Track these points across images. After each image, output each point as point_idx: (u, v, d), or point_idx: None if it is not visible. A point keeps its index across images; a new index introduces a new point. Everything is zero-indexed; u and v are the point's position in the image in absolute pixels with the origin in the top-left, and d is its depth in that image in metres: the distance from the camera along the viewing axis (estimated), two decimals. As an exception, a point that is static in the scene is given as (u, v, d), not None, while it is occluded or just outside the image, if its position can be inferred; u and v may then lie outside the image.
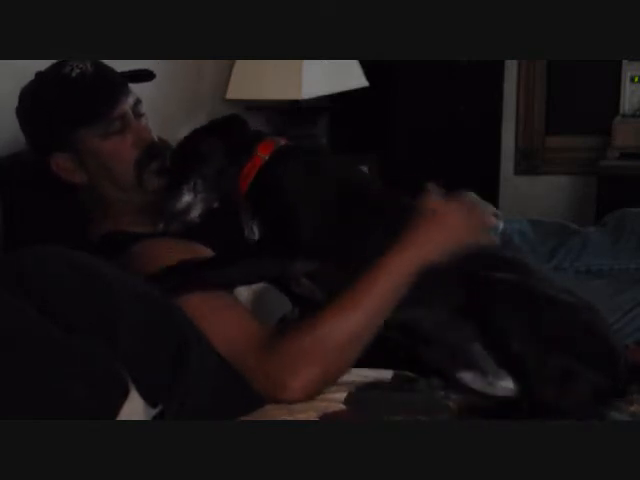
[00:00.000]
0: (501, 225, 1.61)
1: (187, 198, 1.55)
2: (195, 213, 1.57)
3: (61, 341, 1.23)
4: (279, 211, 1.53)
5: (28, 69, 1.72)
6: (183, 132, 1.68)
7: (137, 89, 2.28)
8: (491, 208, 1.62)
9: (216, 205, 1.59)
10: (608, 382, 1.42)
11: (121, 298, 1.33)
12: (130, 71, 1.74)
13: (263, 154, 1.56)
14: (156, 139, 1.74)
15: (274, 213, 1.53)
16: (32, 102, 1.69)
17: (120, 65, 1.76)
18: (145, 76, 1.76)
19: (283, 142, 1.60)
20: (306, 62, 2.74)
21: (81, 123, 1.65)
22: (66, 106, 1.65)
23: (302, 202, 1.52)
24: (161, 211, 1.57)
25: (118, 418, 1.25)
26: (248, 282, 1.57)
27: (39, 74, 1.70)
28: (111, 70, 1.72)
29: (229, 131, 1.59)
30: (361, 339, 1.47)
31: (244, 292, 1.60)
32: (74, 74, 1.65)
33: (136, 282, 1.42)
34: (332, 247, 1.51)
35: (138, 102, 1.72)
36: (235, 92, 2.85)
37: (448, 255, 1.50)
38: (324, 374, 1.44)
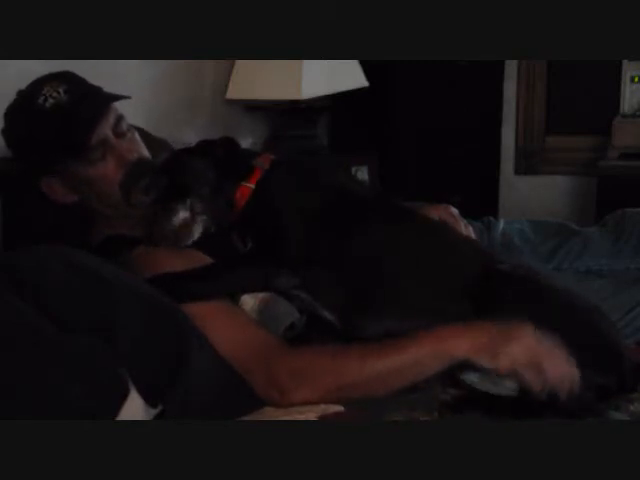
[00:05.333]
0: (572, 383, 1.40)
1: (182, 215, 1.53)
2: (194, 236, 1.54)
3: (61, 341, 1.23)
4: (265, 231, 1.54)
5: (28, 69, 1.73)
6: (183, 132, 1.68)
7: (136, 88, 2.28)
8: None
9: (213, 229, 1.57)
10: (612, 383, 1.42)
11: (121, 298, 1.33)
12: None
13: (251, 183, 1.56)
14: (143, 153, 1.72)
15: (261, 233, 1.54)
16: (12, 130, 1.68)
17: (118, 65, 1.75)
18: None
19: (268, 162, 1.58)
20: (306, 62, 2.74)
21: (61, 156, 1.64)
22: (43, 141, 1.62)
23: (289, 221, 1.52)
24: (152, 227, 1.54)
25: (118, 418, 1.25)
26: (233, 294, 1.56)
27: (19, 95, 1.67)
28: (88, 93, 1.67)
29: (222, 155, 1.58)
30: (374, 389, 1.44)
31: (250, 301, 1.60)
32: (48, 104, 1.61)
33: (136, 282, 1.42)
34: (323, 259, 1.52)
35: (120, 119, 1.68)
36: (235, 92, 2.85)
37: (490, 367, 1.41)
38: (323, 398, 1.44)
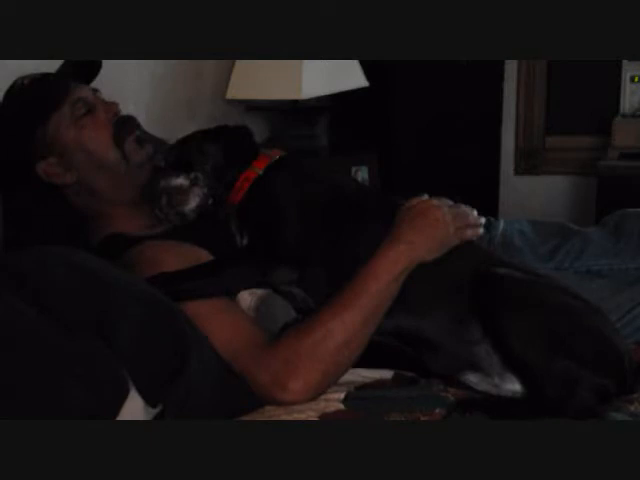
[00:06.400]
0: (483, 221, 1.61)
1: (181, 180, 1.58)
2: (191, 205, 1.58)
3: (61, 341, 1.23)
4: (264, 223, 1.55)
5: (27, 69, 1.73)
6: (183, 132, 1.68)
7: (136, 89, 2.27)
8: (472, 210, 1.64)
9: (210, 204, 1.60)
10: (612, 384, 1.42)
11: (120, 298, 1.33)
12: (76, 62, 1.78)
13: (258, 168, 1.60)
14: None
15: (260, 224, 1.55)
16: (1, 122, 1.72)
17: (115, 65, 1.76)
18: (93, 69, 1.80)
19: (277, 155, 1.63)
20: (306, 62, 2.74)
21: (46, 111, 1.67)
22: (27, 105, 1.69)
23: (287, 214, 1.53)
24: (151, 187, 1.59)
25: (118, 418, 1.25)
26: (231, 291, 1.56)
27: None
28: (60, 71, 1.79)
29: (233, 139, 1.62)
30: (359, 339, 1.48)
31: (248, 298, 1.60)
32: (26, 82, 1.71)
33: (136, 282, 1.42)
34: (321, 256, 1.52)
35: (95, 91, 1.75)
36: (235, 92, 2.85)
37: (437, 252, 1.52)
38: (324, 374, 1.45)
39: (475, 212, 1.62)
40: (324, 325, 1.46)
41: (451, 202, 1.62)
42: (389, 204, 1.62)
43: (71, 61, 1.78)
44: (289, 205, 1.54)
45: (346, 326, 1.46)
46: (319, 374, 1.44)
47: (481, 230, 1.59)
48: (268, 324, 1.56)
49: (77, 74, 1.76)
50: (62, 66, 1.80)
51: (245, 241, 1.57)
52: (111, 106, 1.73)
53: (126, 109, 1.77)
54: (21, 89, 1.71)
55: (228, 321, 1.50)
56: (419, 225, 1.53)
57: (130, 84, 2.35)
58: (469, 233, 1.57)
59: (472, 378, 1.48)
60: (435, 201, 1.59)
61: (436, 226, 1.53)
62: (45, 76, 1.74)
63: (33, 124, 1.67)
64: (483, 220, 1.61)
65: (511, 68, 3.62)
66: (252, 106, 3.03)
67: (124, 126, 1.71)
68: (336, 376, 1.48)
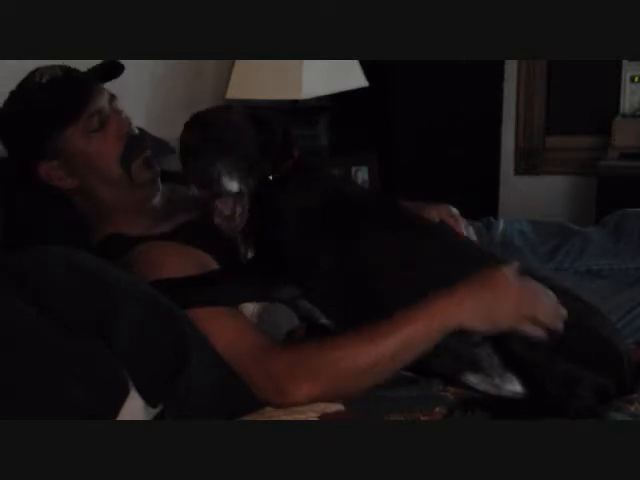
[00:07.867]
0: (561, 326, 1.43)
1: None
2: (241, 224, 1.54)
3: (61, 341, 1.23)
4: (266, 238, 1.53)
5: (27, 69, 1.73)
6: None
7: (136, 89, 2.27)
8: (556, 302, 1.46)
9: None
10: (612, 384, 1.42)
11: (120, 298, 1.33)
12: (98, 66, 1.73)
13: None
14: (137, 131, 1.73)
15: (262, 239, 1.54)
16: (12, 115, 1.69)
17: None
18: (114, 70, 1.74)
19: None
20: (306, 62, 2.74)
21: (61, 124, 1.64)
22: (43, 111, 1.64)
23: (289, 229, 1.51)
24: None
25: (118, 418, 1.25)
26: (233, 304, 1.55)
27: (15, 88, 1.71)
28: (80, 72, 1.72)
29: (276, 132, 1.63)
30: (373, 376, 1.44)
31: (251, 306, 1.59)
32: (44, 80, 1.65)
33: (136, 282, 1.41)
34: (324, 268, 1.51)
35: (113, 98, 1.71)
36: (235, 92, 2.85)
37: (482, 325, 1.41)
38: (325, 393, 1.42)
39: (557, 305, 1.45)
40: (343, 349, 1.42)
41: (552, 294, 1.46)
42: (391, 207, 1.61)
43: (98, 66, 1.73)
44: (289, 222, 1.52)
45: (364, 359, 1.40)
46: (320, 392, 1.41)
47: (561, 326, 1.42)
48: (271, 331, 1.56)
49: (99, 75, 1.72)
50: (89, 71, 1.73)
51: (250, 254, 1.56)
52: (124, 121, 1.70)
53: (126, 109, 1.77)
54: (38, 88, 1.65)
55: (230, 324, 1.50)
56: (485, 297, 1.41)
57: (130, 84, 2.35)
58: (531, 329, 1.40)
59: (472, 379, 1.48)
60: (521, 282, 1.44)
61: (501, 307, 1.41)
62: (67, 73, 1.68)
63: (46, 134, 1.65)
64: (561, 327, 1.42)
65: (511, 68, 3.62)
66: (252, 106, 3.03)
67: (134, 148, 1.68)
68: (337, 397, 1.44)
